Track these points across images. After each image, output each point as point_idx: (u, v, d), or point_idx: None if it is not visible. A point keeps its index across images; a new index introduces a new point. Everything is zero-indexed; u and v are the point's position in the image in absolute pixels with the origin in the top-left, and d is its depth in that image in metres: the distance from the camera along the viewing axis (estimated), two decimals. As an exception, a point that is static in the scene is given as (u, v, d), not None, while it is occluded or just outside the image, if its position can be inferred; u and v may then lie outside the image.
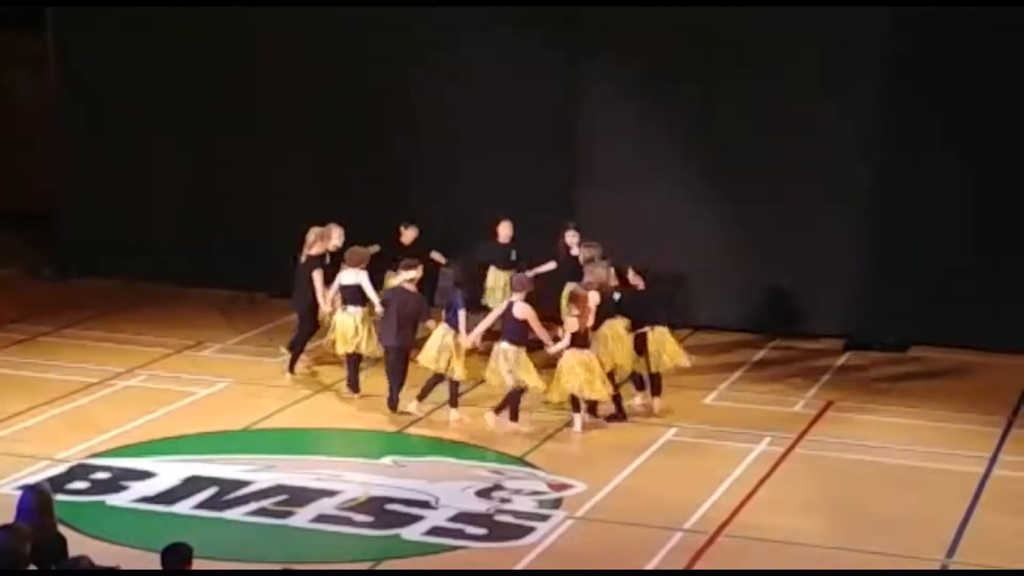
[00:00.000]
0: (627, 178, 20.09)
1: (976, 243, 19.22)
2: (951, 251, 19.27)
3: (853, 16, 19.11)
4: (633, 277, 16.72)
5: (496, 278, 18.93)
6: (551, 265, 18.50)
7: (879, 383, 18.21)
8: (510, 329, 15.96)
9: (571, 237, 18.37)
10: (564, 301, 16.69)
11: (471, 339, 16.20)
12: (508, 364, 15.83)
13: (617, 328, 16.36)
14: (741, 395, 17.57)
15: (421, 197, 20.42)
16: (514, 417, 15.99)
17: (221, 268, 21.36)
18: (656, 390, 16.67)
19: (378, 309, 16.57)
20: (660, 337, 16.55)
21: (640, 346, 16.46)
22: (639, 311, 16.53)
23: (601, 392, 15.86)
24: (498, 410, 16.03)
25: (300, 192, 21.17)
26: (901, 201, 19.33)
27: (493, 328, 16.25)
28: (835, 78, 19.35)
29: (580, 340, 15.78)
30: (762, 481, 14.81)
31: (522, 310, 15.93)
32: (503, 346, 15.95)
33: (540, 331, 16.03)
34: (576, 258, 17.89)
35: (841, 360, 19.02)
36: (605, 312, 16.18)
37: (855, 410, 17.10)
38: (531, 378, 15.90)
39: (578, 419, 16.06)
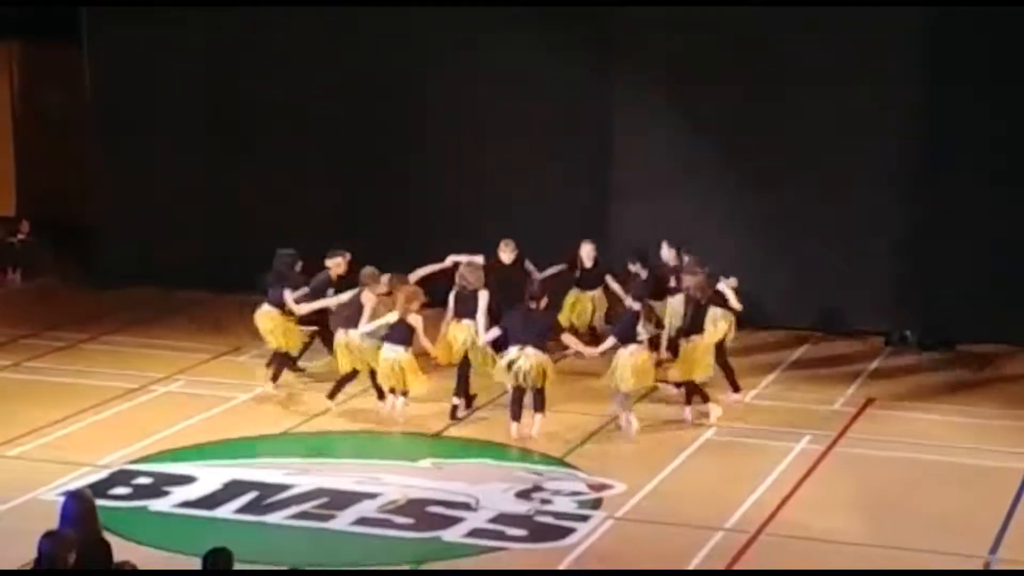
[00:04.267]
0: (663, 180, 20.07)
1: (1017, 239, 19.11)
2: (992, 247, 19.18)
3: (890, 16, 19.04)
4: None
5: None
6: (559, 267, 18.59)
7: (919, 380, 18.14)
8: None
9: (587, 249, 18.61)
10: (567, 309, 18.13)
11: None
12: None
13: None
14: (780, 393, 17.52)
15: (451, 206, 20.48)
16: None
17: (258, 274, 21.38)
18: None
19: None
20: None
21: None
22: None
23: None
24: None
25: (335, 200, 21.23)
26: (941, 197, 19.25)
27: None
28: (873, 78, 19.31)
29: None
30: (802, 480, 14.77)
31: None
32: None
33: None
34: (590, 269, 18.46)
35: (880, 357, 18.94)
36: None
37: (895, 407, 17.04)
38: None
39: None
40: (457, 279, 16.74)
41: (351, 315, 16.61)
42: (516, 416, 15.89)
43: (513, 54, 20.52)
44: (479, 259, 17.23)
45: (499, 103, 20.66)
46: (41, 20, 23.46)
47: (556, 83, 20.44)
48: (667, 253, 18.10)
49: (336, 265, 17.48)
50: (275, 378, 17.34)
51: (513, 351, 15.83)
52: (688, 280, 16.72)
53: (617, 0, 19.95)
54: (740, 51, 19.72)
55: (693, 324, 16.46)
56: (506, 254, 17.95)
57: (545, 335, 15.99)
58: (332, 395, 16.73)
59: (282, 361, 17.51)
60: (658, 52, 20.02)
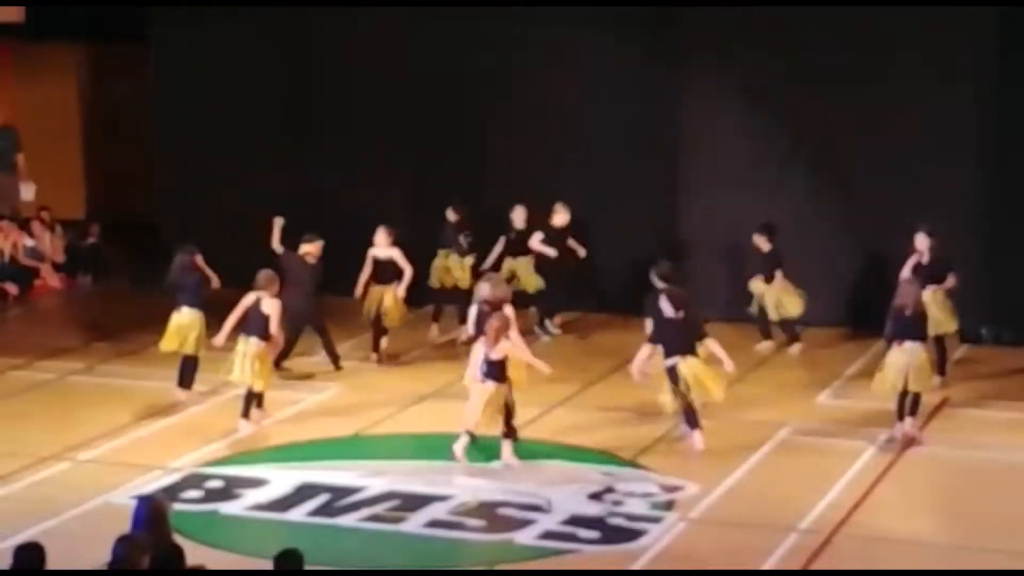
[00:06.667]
0: (731, 180, 19.97)
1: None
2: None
3: (961, 15, 18.87)
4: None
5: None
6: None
7: (994, 379, 17.93)
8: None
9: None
10: None
11: None
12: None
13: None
14: (854, 392, 17.31)
15: (520, 199, 20.45)
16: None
17: (326, 275, 21.38)
18: None
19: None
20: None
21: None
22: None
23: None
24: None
25: (400, 197, 21.23)
26: (1015, 195, 19.03)
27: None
28: (944, 77, 19.14)
29: None
30: (877, 480, 14.61)
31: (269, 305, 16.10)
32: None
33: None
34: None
35: (956, 356, 18.71)
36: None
37: (971, 406, 16.84)
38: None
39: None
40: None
41: (256, 321, 16.11)
42: (696, 423, 15.31)
43: (588, 53, 20.49)
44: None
45: (573, 100, 20.64)
46: (107, 20, 23.56)
47: (628, 81, 20.39)
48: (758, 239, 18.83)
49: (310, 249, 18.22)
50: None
51: (680, 363, 15.10)
52: (908, 294, 15.66)
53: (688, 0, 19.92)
54: (811, 48, 19.57)
55: (915, 330, 15.48)
56: (561, 216, 19.50)
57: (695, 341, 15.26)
58: (246, 414, 16.14)
59: (194, 367, 17.10)
60: (728, 50, 19.91)
